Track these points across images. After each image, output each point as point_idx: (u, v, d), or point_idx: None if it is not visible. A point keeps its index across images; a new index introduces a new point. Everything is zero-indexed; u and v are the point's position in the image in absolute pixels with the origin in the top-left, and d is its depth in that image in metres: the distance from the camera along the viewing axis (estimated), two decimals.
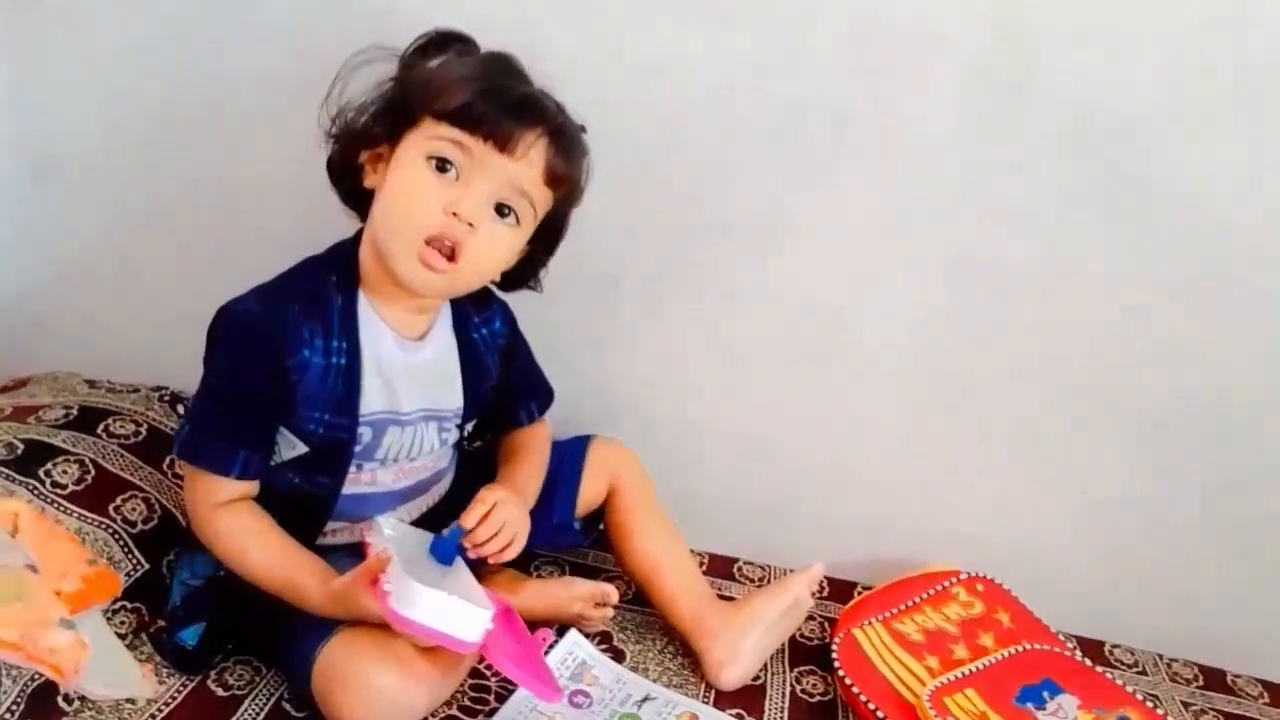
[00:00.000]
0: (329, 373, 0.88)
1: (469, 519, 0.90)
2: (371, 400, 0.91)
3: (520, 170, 0.86)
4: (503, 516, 0.91)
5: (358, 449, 0.91)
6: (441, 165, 0.86)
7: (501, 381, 1.04)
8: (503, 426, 1.08)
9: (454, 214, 0.85)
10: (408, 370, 0.93)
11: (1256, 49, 1.00)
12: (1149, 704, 1.05)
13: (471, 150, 0.85)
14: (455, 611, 0.80)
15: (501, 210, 0.88)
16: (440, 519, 0.99)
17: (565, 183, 0.91)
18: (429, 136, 0.86)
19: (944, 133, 1.06)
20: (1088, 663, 1.10)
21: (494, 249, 0.89)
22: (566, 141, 0.90)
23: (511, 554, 0.92)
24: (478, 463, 1.07)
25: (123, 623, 0.92)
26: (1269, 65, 1.00)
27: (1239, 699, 1.15)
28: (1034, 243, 1.09)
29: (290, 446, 0.90)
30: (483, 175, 0.86)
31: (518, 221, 0.89)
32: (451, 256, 0.86)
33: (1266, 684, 1.18)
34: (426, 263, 0.85)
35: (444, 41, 0.91)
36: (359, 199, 0.93)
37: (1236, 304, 1.08)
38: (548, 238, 0.96)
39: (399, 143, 0.88)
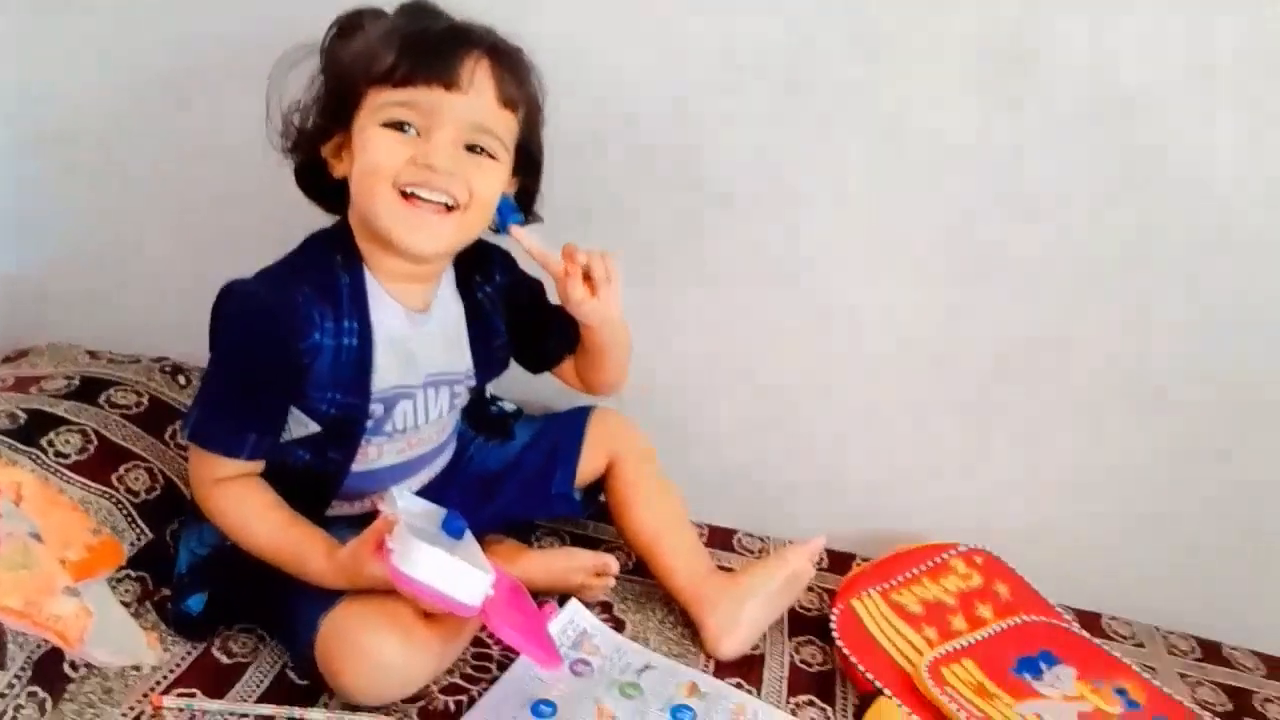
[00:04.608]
0: (340, 353, 0.88)
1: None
2: (384, 376, 0.91)
3: (473, 103, 0.85)
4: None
5: (369, 424, 0.92)
6: (400, 127, 0.85)
7: (528, 319, 1.03)
8: (565, 351, 1.06)
9: (428, 167, 0.84)
10: (418, 342, 0.94)
11: (1268, 20, 0.99)
12: (1145, 675, 1.06)
13: (419, 104, 0.85)
14: (456, 572, 0.80)
15: (473, 150, 0.87)
16: (439, 492, 1.00)
17: (521, 103, 0.90)
18: (376, 107, 0.85)
19: (947, 108, 1.06)
20: (1085, 635, 1.11)
21: (491, 182, 0.89)
22: (508, 59, 0.88)
23: (607, 294, 0.92)
24: (497, 426, 1.07)
25: (127, 591, 0.92)
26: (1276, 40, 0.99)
27: (1235, 671, 1.16)
28: (1037, 220, 1.09)
29: (301, 425, 0.90)
30: (440, 123, 0.85)
31: (493, 157, 0.89)
32: (453, 207, 0.86)
33: (1262, 656, 1.19)
34: (412, 214, 0.85)
35: (357, 17, 0.90)
36: (335, 197, 0.92)
37: (1235, 284, 1.08)
38: (528, 166, 0.95)
39: (353, 125, 0.87)
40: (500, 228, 0.95)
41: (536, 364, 1.08)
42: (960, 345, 1.15)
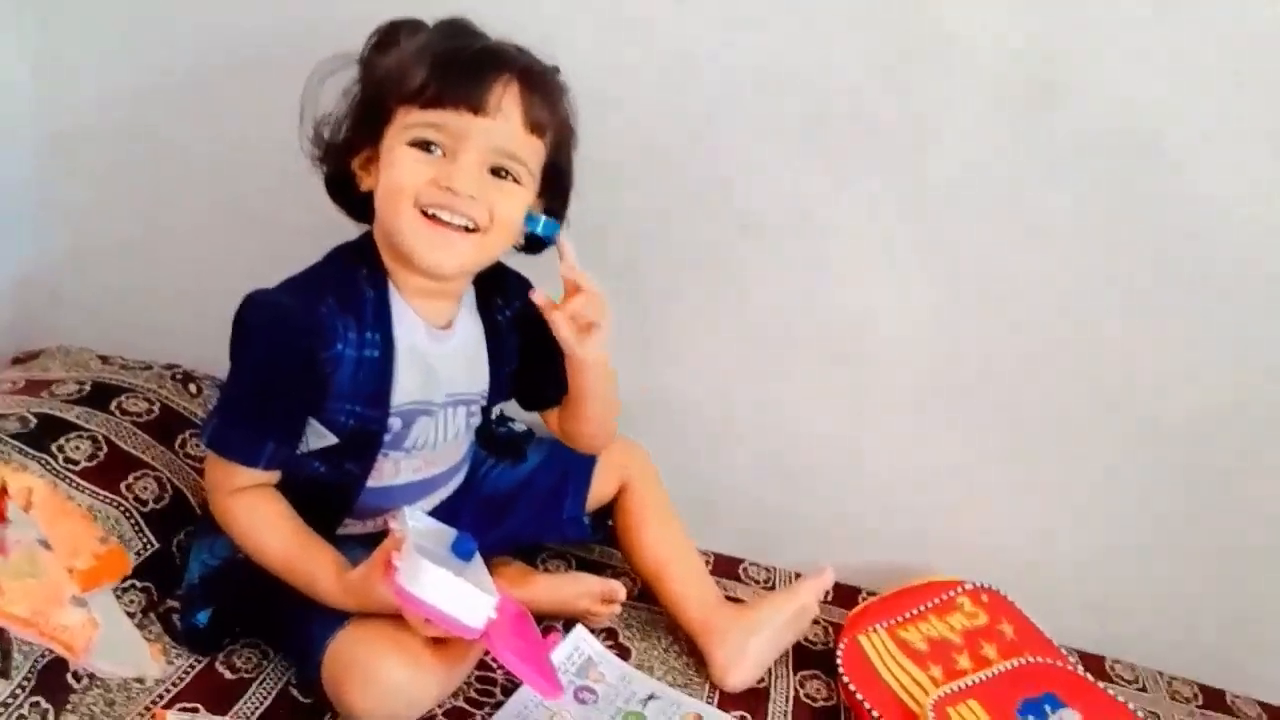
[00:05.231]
0: (362, 365, 0.88)
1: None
2: (404, 391, 0.91)
3: (500, 129, 0.85)
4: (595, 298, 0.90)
5: (387, 438, 0.91)
6: (425, 147, 0.85)
7: (536, 349, 1.00)
8: (559, 398, 1.03)
9: (449, 189, 0.84)
10: (440, 360, 0.93)
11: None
12: None
13: (447, 125, 0.84)
14: (460, 593, 0.80)
15: (498, 174, 0.87)
16: (450, 512, 1.00)
17: (550, 127, 0.89)
18: (404, 126, 0.85)
19: (967, 138, 1.06)
20: (1089, 677, 1.10)
21: (513, 206, 0.88)
22: (538, 82, 0.88)
23: (594, 337, 0.90)
24: (509, 447, 1.07)
25: (132, 601, 0.92)
26: None
27: (1237, 719, 1.15)
28: (1053, 252, 1.09)
29: (319, 437, 0.90)
30: (466, 146, 0.84)
31: (517, 182, 0.88)
32: (473, 229, 0.86)
33: (1265, 705, 1.19)
34: (434, 233, 0.85)
35: (394, 31, 0.90)
36: (363, 208, 0.92)
37: (1249, 318, 1.09)
38: (557, 189, 0.94)
39: (381, 141, 0.87)
40: (546, 237, 0.92)
41: (530, 401, 1.06)
42: (976, 382, 1.15)
